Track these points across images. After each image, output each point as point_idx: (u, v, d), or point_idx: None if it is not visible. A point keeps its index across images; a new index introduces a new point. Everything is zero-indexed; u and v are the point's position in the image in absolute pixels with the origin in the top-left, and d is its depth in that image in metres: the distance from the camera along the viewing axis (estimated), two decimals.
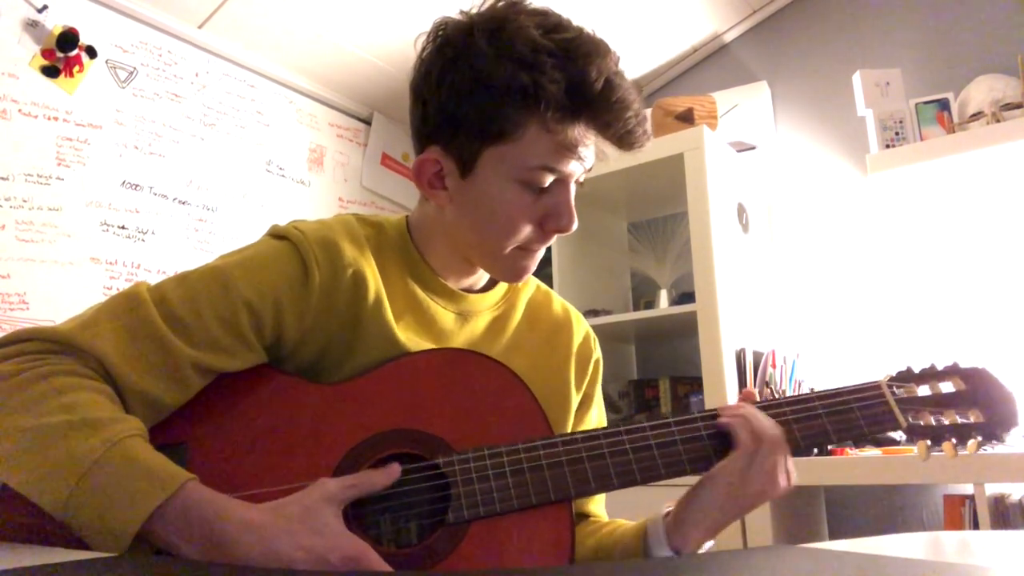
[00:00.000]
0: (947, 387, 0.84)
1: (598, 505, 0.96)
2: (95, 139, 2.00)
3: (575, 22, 0.79)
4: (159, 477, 0.59)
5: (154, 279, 0.82)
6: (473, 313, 0.88)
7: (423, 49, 0.81)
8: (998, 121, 1.90)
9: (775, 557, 0.59)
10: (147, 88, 2.14)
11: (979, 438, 0.79)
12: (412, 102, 0.83)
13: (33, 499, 0.58)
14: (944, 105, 2.05)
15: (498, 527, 0.71)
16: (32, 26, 1.90)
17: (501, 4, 0.79)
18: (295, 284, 0.76)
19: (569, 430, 0.91)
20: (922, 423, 0.81)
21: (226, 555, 0.58)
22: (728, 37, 2.65)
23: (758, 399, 0.82)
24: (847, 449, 1.84)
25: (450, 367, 0.78)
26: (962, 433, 0.80)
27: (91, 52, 2.00)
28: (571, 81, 0.73)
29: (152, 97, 2.15)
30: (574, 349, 0.95)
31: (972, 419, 0.81)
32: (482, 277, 0.90)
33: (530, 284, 0.97)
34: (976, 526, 1.62)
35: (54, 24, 1.93)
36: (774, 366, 2.05)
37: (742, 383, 2.00)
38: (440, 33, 0.80)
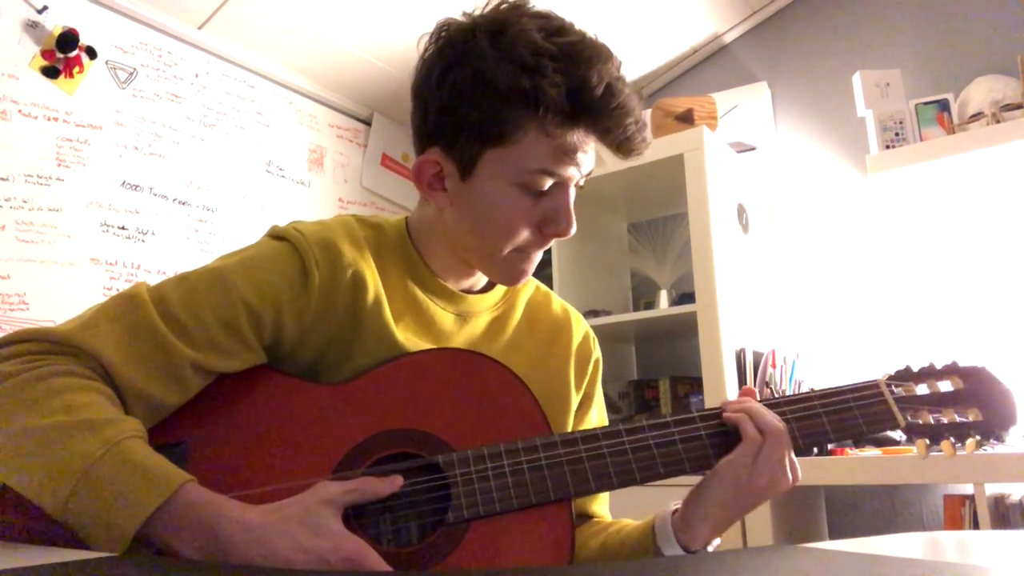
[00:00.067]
0: (946, 386, 0.84)
1: (602, 505, 0.96)
2: (95, 140, 2.00)
3: (576, 24, 0.79)
4: (158, 478, 0.60)
5: (154, 280, 0.82)
6: (472, 314, 0.88)
7: (425, 50, 0.81)
8: (998, 122, 1.90)
9: (775, 557, 0.59)
10: (147, 89, 2.14)
11: (978, 437, 0.79)
12: (413, 103, 0.83)
13: (33, 500, 0.58)
14: (944, 106, 2.05)
15: (498, 527, 0.71)
16: (32, 27, 1.90)
17: (504, 6, 0.78)
18: (295, 285, 0.77)
19: (569, 430, 0.91)
20: (921, 422, 0.81)
21: (225, 556, 0.58)
22: (728, 38, 2.65)
23: (758, 398, 0.82)
24: (847, 449, 1.84)
25: (450, 367, 0.78)
26: (961, 432, 0.80)
27: (91, 53, 2.00)
28: (572, 86, 0.73)
29: (152, 98, 2.15)
30: (574, 349, 0.95)
31: (971, 418, 0.81)
32: (482, 278, 0.90)
33: (529, 285, 0.97)
34: (976, 526, 1.62)
35: (54, 25, 1.93)
36: (774, 366, 2.05)
37: (742, 383, 2.00)
38: (442, 34, 0.80)
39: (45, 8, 1.91)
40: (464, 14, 0.80)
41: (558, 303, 0.98)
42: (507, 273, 0.84)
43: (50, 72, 1.92)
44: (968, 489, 1.76)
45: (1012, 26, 2.14)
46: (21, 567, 0.48)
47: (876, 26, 2.38)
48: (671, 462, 0.76)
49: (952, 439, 0.80)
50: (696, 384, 2.18)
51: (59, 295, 1.85)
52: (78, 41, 1.96)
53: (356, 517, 0.69)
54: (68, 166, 1.93)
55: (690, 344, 2.23)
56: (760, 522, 1.82)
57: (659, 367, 2.58)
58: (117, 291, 0.77)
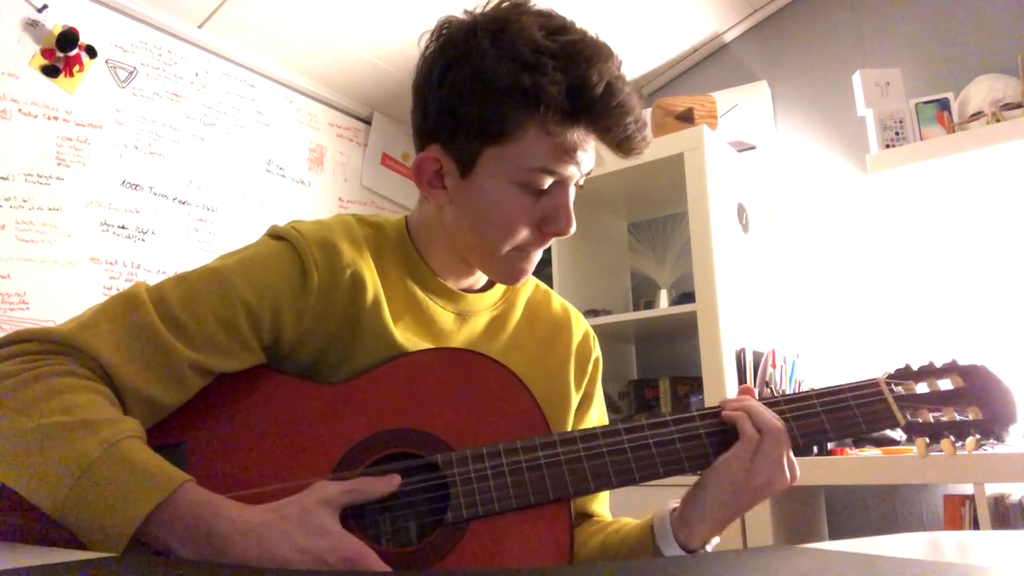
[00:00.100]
0: (945, 384, 0.83)
1: (601, 505, 0.96)
2: (95, 139, 2.00)
3: (577, 23, 0.79)
4: (156, 478, 0.59)
5: (154, 279, 0.82)
6: (472, 313, 0.88)
7: (426, 48, 0.81)
8: (998, 121, 1.90)
9: (775, 557, 0.59)
10: (147, 88, 2.14)
11: (978, 435, 0.79)
12: (414, 101, 0.83)
13: (31, 500, 0.58)
14: (944, 105, 2.05)
15: (497, 527, 0.71)
16: (32, 26, 1.90)
17: (505, 5, 0.79)
18: (293, 285, 0.76)
19: (569, 429, 0.91)
20: (920, 420, 0.81)
21: (222, 556, 0.58)
22: (728, 37, 2.65)
23: (756, 396, 0.82)
24: (847, 449, 1.84)
25: (449, 367, 0.78)
26: (961, 430, 0.80)
27: (91, 52, 2.00)
28: (572, 84, 0.73)
29: (152, 97, 2.15)
30: (573, 348, 0.94)
31: (971, 416, 0.80)
32: (481, 277, 0.90)
33: (529, 283, 0.97)
34: (976, 526, 1.62)
35: (54, 24, 1.93)
36: (774, 366, 2.05)
37: (742, 383, 2.00)
38: (443, 32, 0.80)
39: (45, 7, 1.91)
40: (465, 12, 0.80)
41: (558, 302, 0.98)
42: (506, 272, 0.84)
43: (50, 71, 1.92)
44: (968, 489, 1.76)
45: (1012, 26, 2.13)
46: (20, 567, 0.48)
47: (876, 25, 2.38)
48: (670, 461, 0.76)
49: (952, 438, 0.80)
50: (696, 384, 2.18)
51: (59, 295, 1.85)
52: (78, 40, 1.96)
53: (355, 517, 0.69)
54: (68, 165, 1.93)
55: (690, 344, 2.23)
56: (760, 522, 1.82)
57: (659, 367, 2.58)
58: (117, 291, 0.77)
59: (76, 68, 1.97)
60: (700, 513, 0.77)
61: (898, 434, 1.82)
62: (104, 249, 1.97)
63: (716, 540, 0.81)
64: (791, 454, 0.77)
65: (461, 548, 0.69)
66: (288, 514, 0.62)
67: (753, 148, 2.47)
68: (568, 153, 0.76)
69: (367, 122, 2.79)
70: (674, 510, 0.81)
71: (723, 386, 1.94)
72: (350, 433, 0.72)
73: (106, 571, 0.50)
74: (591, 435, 0.76)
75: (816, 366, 2.27)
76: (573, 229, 0.80)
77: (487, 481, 0.71)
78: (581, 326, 0.98)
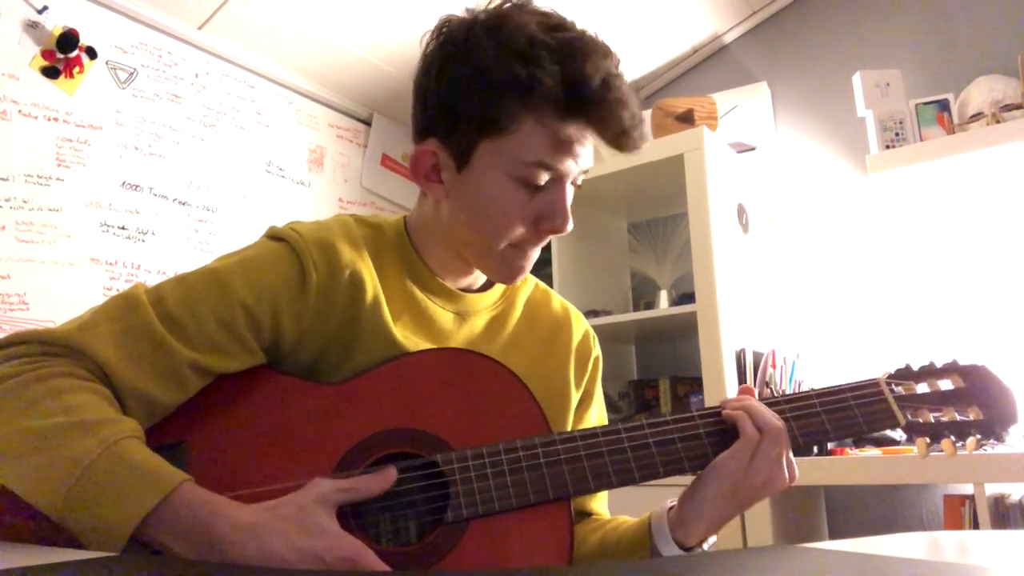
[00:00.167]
0: (946, 384, 0.83)
1: (600, 503, 0.96)
2: (95, 140, 2.00)
3: (577, 24, 0.79)
4: (155, 478, 0.59)
5: (154, 280, 0.82)
6: (471, 313, 0.88)
7: (427, 46, 0.82)
8: (998, 122, 1.90)
9: (775, 557, 0.59)
10: (147, 89, 2.14)
11: (978, 435, 0.79)
12: (414, 98, 0.84)
13: (30, 500, 0.58)
14: (944, 106, 2.05)
15: (497, 526, 0.71)
16: (32, 27, 1.90)
17: (506, 4, 0.79)
18: (292, 286, 0.76)
19: (569, 428, 0.91)
20: (921, 420, 0.81)
21: (221, 555, 0.58)
22: (728, 38, 2.65)
23: (756, 396, 0.82)
24: (847, 449, 1.84)
25: (449, 367, 0.78)
26: (961, 430, 0.80)
27: (91, 53, 2.00)
28: (568, 77, 0.73)
29: (152, 98, 2.15)
30: (573, 347, 0.94)
31: (971, 416, 0.80)
32: (480, 277, 0.90)
33: (529, 282, 0.97)
34: (976, 526, 1.62)
35: (54, 25, 1.93)
36: (774, 366, 2.05)
37: (742, 383, 2.00)
38: (443, 30, 0.81)
39: (45, 8, 1.91)
40: (466, 10, 0.81)
41: (558, 301, 0.98)
42: (503, 270, 0.84)
43: (50, 72, 1.92)
44: (968, 489, 1.76)
45: (1012, 26, 2.14)
46: (20, 567, 0.48)
47: (876, 26, 2.38)
48: (670, 460, 0.76)
49: (952, 438, 0.80)
50: (696, 384, 2.18)
51: (59, 295, 1.86)
52: (78, 41, 1.96)
53: (355, 516, 0.69)
54: (68, 166, 1.93)
55: (690, 344, 2.23)
56: (760, 522, 1.82)
57: (659, 367, 2.58)
58: (117, 291, 0.77)
59: (76, 69, 1.97)
60: (697, 511, 0.77)
61: (898, 434, 1.82)
62: (104, 250, 1.97)
63: (713, 539, 0.81)
64: (791, 454, 0.77)
65: (461, 547, 0.69)
66: (285, 513, 0.61)
67: (753, 149, 2.47)
68: (564, 147, 0.76)
69: (367, 123, 2.79)
70: (671, 508, 0.81)
71: (723, 386, 1.94)
72: (350, 433, 0.72)
73: (106, 571, 0.50)
74: (591, 434, 0.76)
75: (816, 366, 2.27)
76: (570, 227, 0.80)
77: (487, 480, 0.71)
78: (581, 325, 0.98)
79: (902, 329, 2.17)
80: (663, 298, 2.36)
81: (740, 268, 2.17)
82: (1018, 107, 1.89)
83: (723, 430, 0.78)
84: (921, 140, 2.04)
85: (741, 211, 2.26)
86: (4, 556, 0.55)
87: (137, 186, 2.07)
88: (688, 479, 0.79)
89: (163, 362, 0.69)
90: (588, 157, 0.80)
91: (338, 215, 0.87)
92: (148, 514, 0.58)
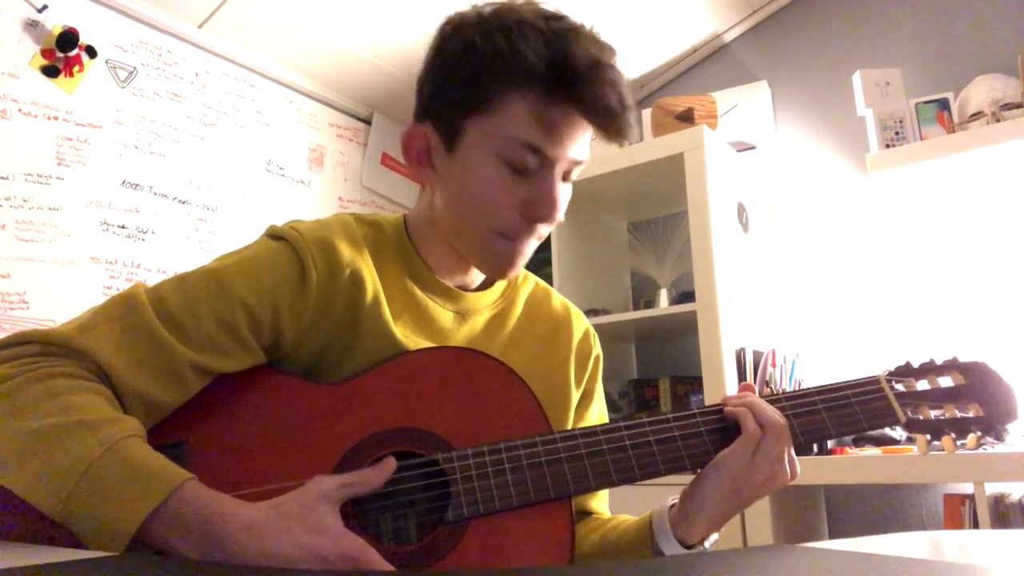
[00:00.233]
0: (946, 381, 0.83)
1: (601, 502, 0.96)
2: (95, 139, 2.00)
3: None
4: (157, 477, 0.59)
5: (154, 279, 0.82)
6: (472, 311, 0.88)
7: (431, 42, 0.83)
8: (998, 121, 1.90)
9: (775, 557, 0.59)
10: (147, 88, 2.14)
11: (978, 432, 0.79)
12: (416, 94, 0.85)
13: (31, 501, 0.58)
14: (944, 105, 2.05)
15: (498, 525, 0.71)
16: (32, 26, 1.90)
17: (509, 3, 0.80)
18: (292, 285, 0.76)
19: (570, 427, 0.91)
20: (921, 417, 0.81)
21: (224, 554, 0.58)
22: (728, 37, 2.65)
23: (756, 393, 0.82)
24: (847, 448, 1.84)
25: (449, 365, 0.78)
26: (961, 427, 0.80)
27: (91, 52, 2.00)
28: (555, 57, 0.74)
29: (152, 97, 2.15)
30: (574, 345, 0.94)
31: (971, 413, 0.80)
32: (479, 275, 0.90)
33: (529, 281, 0.97)
34: (976, 526, 1.62)
35: (54, 24, 1.93)
36: (774, 365, 2.05)
37: (742, 382, 2.00)
38: (447, 27, 0.82)
39: (45, 7, 1.91)
40: (473, 7, 0.81)
41: (558, 299, 0.98)
42: (492, 261, 0.82)
43: (50, 71, 1.92)
44: (968, 488, 1.76)
45: (1012, 26, 2.14)
46: (21, 567, 0.48)
47: (876, 25, 2.38)
48: (671, 458, 0.76)
49: (953, 435, 0.80)
50: (696, 383, 2.18)
51: (59, 294, 1.85)
52: (78, 40, 1.96)
53: (356, 515, 0.69)
54: (68, 165, 1.93)
55: (690, 343, 2.23)
56: (760, 521, 1.82)
57: (659, 366, 2.58)
58: (117, 290, 0.77)
59: (76, 68, 1.97)
60: (699, 509, 0.77)
61: (898, 433, 1.82)
62: (104, 249, 1.97)
63: (715, 537, 0.81)
64: (792, 451, 0.77)
65: (462, 546, 0.69)
66: (288, 511, 0.61)
67: (753, 148, 2.47)
68: (550, 129, 0.75)
69: (367, 122, 2.79)
70: (673, 506, 0.81)
71: (723, 386, 1.94)
72: (351, 432, 0.72)
73: (106, 571, 0.50)
74: (592, 432, 0.76)
75: (816, 366, 2.27)
76: (559, 217, 0.79)
77: (488, 479, 0.71)
78: (581, 324, 0.97)
79: (902, 327, 2.17)
80: (663, 297, 2.36)
81: (740, 267, 2.17)
82: (1018, 106, 1.89)
83: (724, 428, 0.78)
84: (921, 139, 2.04)
85: (741, 210, 2.26)
86: (4, 556, 0.55)
87: (137, 185, 2.07)
88: (689, 477, 0.79)
89: (163, 362, 0.69)
90: (580, 148, 0.79)
91: (338, 214, 0.87)
92: (151, 513, 0.58)
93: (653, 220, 2.65)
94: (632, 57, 2.61)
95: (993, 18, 2.17)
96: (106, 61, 2.05)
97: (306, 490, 0.64)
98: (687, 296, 2.17)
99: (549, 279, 2.33)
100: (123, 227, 2.02)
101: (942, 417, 0.81)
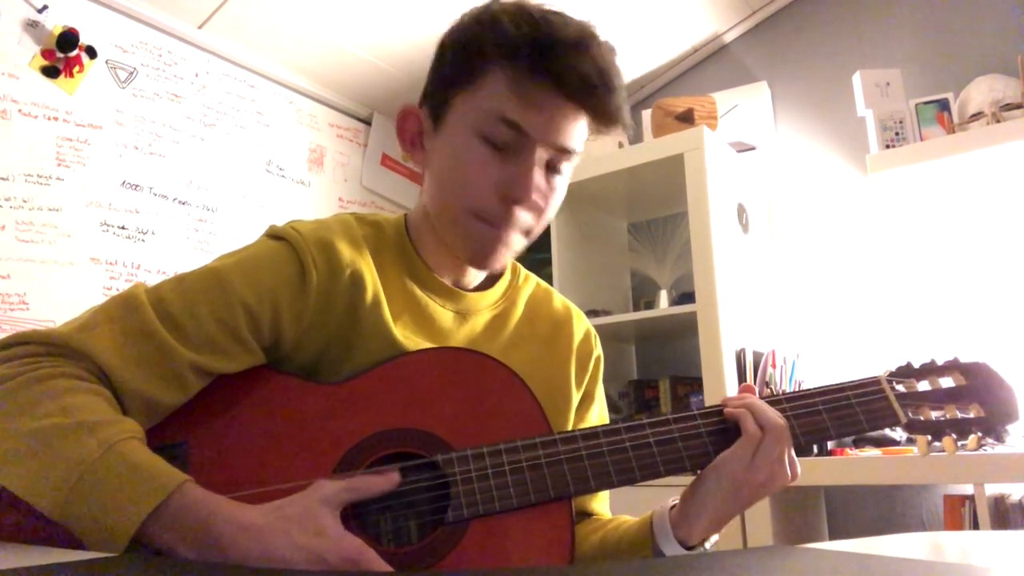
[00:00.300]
0: (947, 382, 0.83)
1: (601, 503, 0.96)
2: (95, 139, 2.00)
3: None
4: (155, 479, 0.59)
5: (154, 279, 0.82)
6: (472, 311, 0.88)
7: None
8: (998, 121, 1.90)
9: (775, 557, 0.59)
10: (147, 88, 2.14)
11: (979, 433, 0.79)
12: None
13: (30, 502, 0.58)
14: (944, 105, 2.05)
15: (497, 526, 0.71)
16: (32, 26, 1.90)
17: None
18: (293, 285, 0.76)
19: (570, 428, 0.91)
20: (922, 418, 0.81)
21: (223, 556, 0.58)
22: (728, 37, 2.65)
23: (756, 394, 0.82)
24: (847, 449, 1.84)
25: (449, 366, 0.78)
26: (963, 428, 0.80)
27: (91, 52, 2.00)
28: (539, 34, 0.74)
29: (152, 97, 2.15)
30: (575, 346, 0.94)
31: (972, 414, 0.80)
32: (478, 274, 0.90)
33: (530, 282, 0.97)
34: (976, 526, 1.62)
35: (54, 24, 1.93)
36: (774, 366, 2.05)
37: (742, 383, 2.00)
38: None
39: (45, 7, 1.91)
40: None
41: (559, 300, 0.98)
42: (472, 247, 0.81)
43: (50, 72, 1.92)
44: (968, 489, 1.76)
45: (1012, 26, 2.14)
46: (21, 567, 0.48)
47: (876, 26, 2.38)
48: (671, 460, 0.76)
49: (954, 435, 0.80)
50: (696, 384, 2.18)
51: (59, 295, 1.85)
52: (78, 41, 1.96)
53: (356, 516, 0.69)
54: (68, 166, 1.93)
55: (690, 344, 2.23)
56: (760, 522, 1.82)
57: (659, 367, 2.58)
58: (117, 291, 0.77)
59: (76, 69, 1.97)
60: (699, 510, 0.77)
61: (898, 434, 1.82)
62: (104, 249, 1.97)
63: (715, 538, 0.81)
64: (792, 452, 0.77)
65: (462, 547, 0.69)
66: (288, 514, 0.61)
67: (753, 148, 2.47)
68: (526, 102, 0.75)
69: (367, 122, 2.79)
70: (673, 507, 0.81)
71: (723, 386, 1.94)
72: (351, 433, 0.72)
73: (106, 571, 0.50)
74: (592, 434, 0.76)
75: (816, 366, 2.27)
76: (533, 197, 0.78)
77: (487, 480, 0.71)
78: (582, 324, 0.97)
79: (902, 328, 2.17)
80: (663, 298, 2.36)
81: (740, 268, 2.17)
82: (1018, 106, 1.89)
83: (724, 429, 0.78)
84: (921, 140, 2.04)
85: (741, 211, 2.26)
86: (4, 556, 0.55)
87: (137, 186, 2.07)
88: (689, 478, 0.79)
89: (163, 363, 0.69)
90: (563, 132, 0.77)
91: (338, 214, 0.87)
92: (149, 515, 0.57)
93: (653, 221, 2.65)
94: (632, 58, 2.61)
95: (993, 18, 2.17)
96: (106, 61, 2.05)
97: (307, 494, 0.64)
98: (687, 297, 2.17)
99: (549, 279, 2.33)
100: (123, 228, 2.02)
101: (943, 418, 0.81)
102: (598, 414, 0.97)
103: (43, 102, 1.90)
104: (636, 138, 2.51)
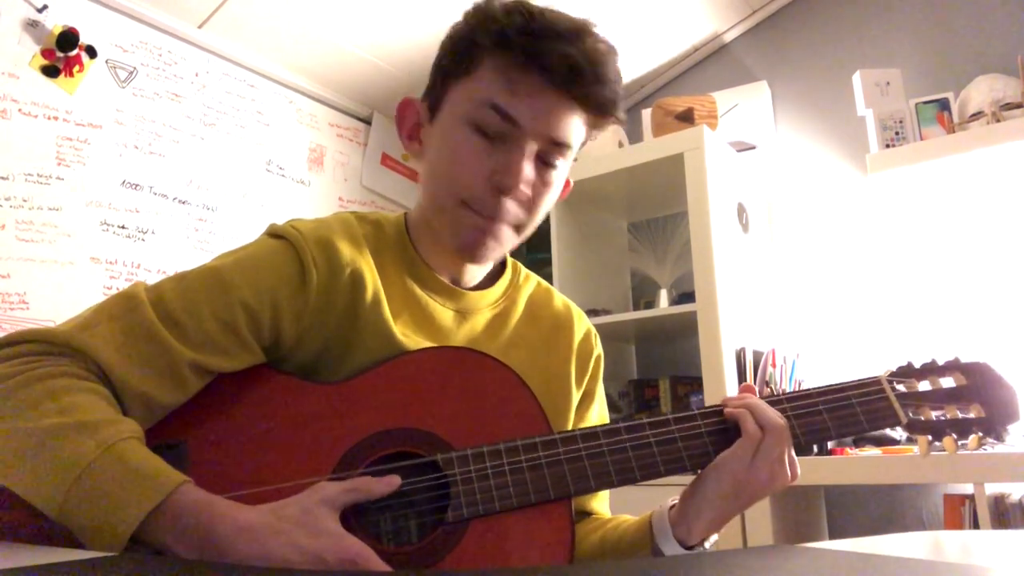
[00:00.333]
0: (948, 382, 0.83)
1: (601, 503, 0.96)
2: (95, 139, 2.00)
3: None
4: (154, 480, 0.59)
5: (154, 279, 0.82)
6: (472, 310, 0.88)
7: None
8: (998, 121, 1.90)
9: (775, 557, 0.59)
10: (147, 88, 2.14)
11: (980, 433, 0.79)
12: None
13: (30, 501, 0.58)
14: (944, 105, 2.05)
15: (497, 526, 0.71)
16: (32, 26, 1.90)
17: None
18: (292, 284, 0.76)
19: (570, 427, 0.91)
20: (922, 418, 0.81)
21: (221, 557, 0.58)
22: (728, 37, 2.65)
23: (757, 394, 0.82)
24: (847, 449, 1.84)
25: (449, 365, 0.78)
26: (963, 428, 0.80)
27: (91, 52, 2.00)
28: (531, 24, 0.75)
29: (152, 97, 2.15)
30: (575, 346, 0.94)
31: (973, 414, 0.80)
32: (477, 272, 0.90)
33: (531, 281, 0.97)
34: (976, 526, 1.62)
35: (54, 24, 1.93)
36: (774, 366, 2.05)
37: (742, 383, 2.00)
38: None
39: (45, 7, 1.91)
40: None
41: (560, 299, 0.98)
42: (458, 235, 0.81)
43: (50, 71, 1.92)
44: (968, 489, 1.76)
45: (1012, 26, 2.13)
46: (20, 567, 0.48)
47: (876, 25, 2.38)
48: (671, 460, 0.76)
49: (954, 436, 0.80)
50: (696, 384, 2.18)
51: (59, 294, 1.85)
52: (78, 40, 1.96)
53: (355, 516, 0.68)
54: (68, 165, 1.93)
55: (690, 344, 2.23)
56: (760, 522, 1.82)
57: (659, 367, 2.58)
58: (117, 290, 0.76)
59: (76, 68, 1.97)
60: (699, 509, 0.77)
61: (898, 434, 1.82)
62: (104, 249, 1.97)
63: (715, 538, 0.81)
64: (792, 452, 0.77)
65: (462, 547, 0.69)
66: (288, 514, 0.61)
67: (753, 148, 2.47)
68: (514, 90, 0.76)
69: (367, 122, 2.79)
70: (673, 507, 0.81)
71: (723, 386, 1.94)
72: (350, 432, 0.72)
73: (106, 571, 0.50)
74: (592, 434, 0.76)
75: (816, 366, 2.27)
76: (521, 188, 0.78)
77: (488, 480, 0.71)
78: (583, 324, 0.97)
79: (903, 328, 2.17)
80: (663, 297, 2.36)
81: (740, 267, 2.17)
82: (1018, 106, 1.89)
83: (724, 429, 0.78)
84: (921, 139, 2.04)
85: (741, 210, 2.26)
86: (4, 556, 0.55)
87: (137, 185, 2.07)
88: (689, 477, 0.79)
89: (163, 362, 0.69)
90: (553, 122, 0.77)
91: (339, 212, 0.86)
92: (147, 516, 0.57)
93: (653, 220, 2.65)
94: (632, 57, 2.61)
95: (993, 18, 2.17)
96: (106, 61, 2.05)
97: (307, 495, 0.64)
98: (687, 296, 2.17)
99: (549, 279, 2.32)
100: (123, 227, 2.02)
101: (943, 418, 0.81)
102: (598, 413, 0.97)
103: (43, 102, 1.90)
104: (636, 138, 2.51)
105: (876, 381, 0.83)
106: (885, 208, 2.26)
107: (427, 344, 0.81)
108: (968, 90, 2.02)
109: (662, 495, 0.84)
